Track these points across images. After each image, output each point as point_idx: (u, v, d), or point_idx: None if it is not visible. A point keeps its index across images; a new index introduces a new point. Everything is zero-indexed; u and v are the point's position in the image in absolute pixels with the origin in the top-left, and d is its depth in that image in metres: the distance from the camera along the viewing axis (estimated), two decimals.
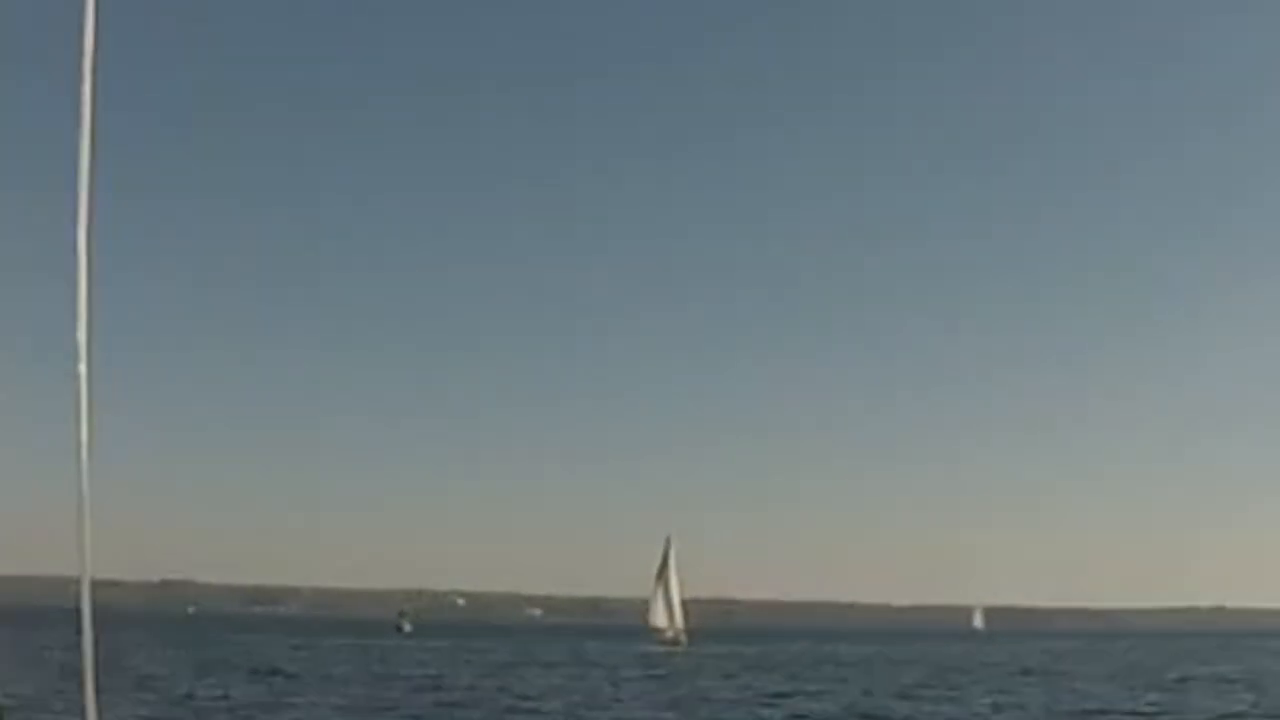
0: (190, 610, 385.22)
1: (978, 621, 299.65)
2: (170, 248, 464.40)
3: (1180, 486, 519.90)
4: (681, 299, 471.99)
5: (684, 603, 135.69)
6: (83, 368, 4.28)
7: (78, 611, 4.13)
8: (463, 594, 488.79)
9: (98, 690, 4.31)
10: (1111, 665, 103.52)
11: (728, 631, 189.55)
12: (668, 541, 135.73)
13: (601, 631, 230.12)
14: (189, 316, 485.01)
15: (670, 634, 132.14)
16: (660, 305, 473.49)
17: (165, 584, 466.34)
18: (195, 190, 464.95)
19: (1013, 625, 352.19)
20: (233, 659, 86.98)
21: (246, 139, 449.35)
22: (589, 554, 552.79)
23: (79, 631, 4.14)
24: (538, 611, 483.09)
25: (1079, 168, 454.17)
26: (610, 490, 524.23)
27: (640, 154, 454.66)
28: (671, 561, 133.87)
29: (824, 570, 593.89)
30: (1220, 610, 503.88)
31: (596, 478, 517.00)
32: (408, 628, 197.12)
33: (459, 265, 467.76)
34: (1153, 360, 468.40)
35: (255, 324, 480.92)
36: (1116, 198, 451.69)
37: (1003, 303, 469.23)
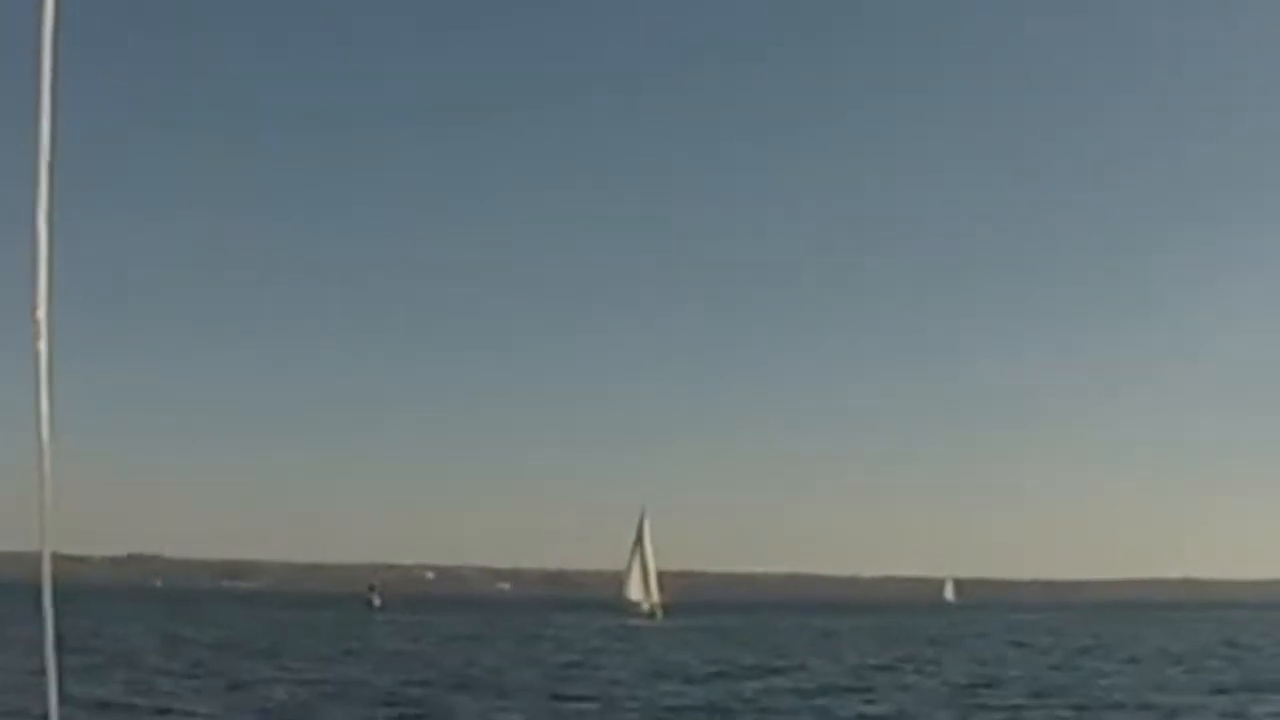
0: (157, 584, 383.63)
1: (949, 593, 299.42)
2: (146, 222, 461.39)
3: (1148, 460, 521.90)
4: (653, 280, 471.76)
5: (660, 575, 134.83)
6: (43, 345, 4.24)
7: (38, 588, 4.11)
8: (431, 568, 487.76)
9: (60, 669, 4.24)
10: (1086, 637, 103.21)
11: (700, 604, 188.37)
12: (642, 514, 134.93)
13: (574, 604, 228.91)
14: (153, 288, 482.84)
15: (646, 607, 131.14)
16: (629, 287, 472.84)
17: (133, 558, 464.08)
18: (161, 153, 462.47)
19: (981, 597, 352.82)
20: (203, 634, 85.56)
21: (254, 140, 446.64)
22: (556, 527, 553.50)
23: (39, 608, 4.10)
24: (506, 585, 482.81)
25: (1080, 162, 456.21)
26: (577, 463, 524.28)
27: (624, 153, 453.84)
28: (646, 534, 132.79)
29: (791, 543, 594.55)
30: (1188, 581, 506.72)
31: (563, 451, 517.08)
32: (378, 602, 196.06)
33: (432, 251, 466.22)
34: (1123, 340, 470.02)
35: (224, 301, 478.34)
36: (1113, 190, 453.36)
37: (973, 287, 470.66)
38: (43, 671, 4.36)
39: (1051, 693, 45.76)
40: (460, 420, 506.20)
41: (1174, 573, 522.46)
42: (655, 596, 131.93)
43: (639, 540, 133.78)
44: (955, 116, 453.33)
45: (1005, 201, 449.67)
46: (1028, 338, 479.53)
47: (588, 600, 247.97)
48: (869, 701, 41.77)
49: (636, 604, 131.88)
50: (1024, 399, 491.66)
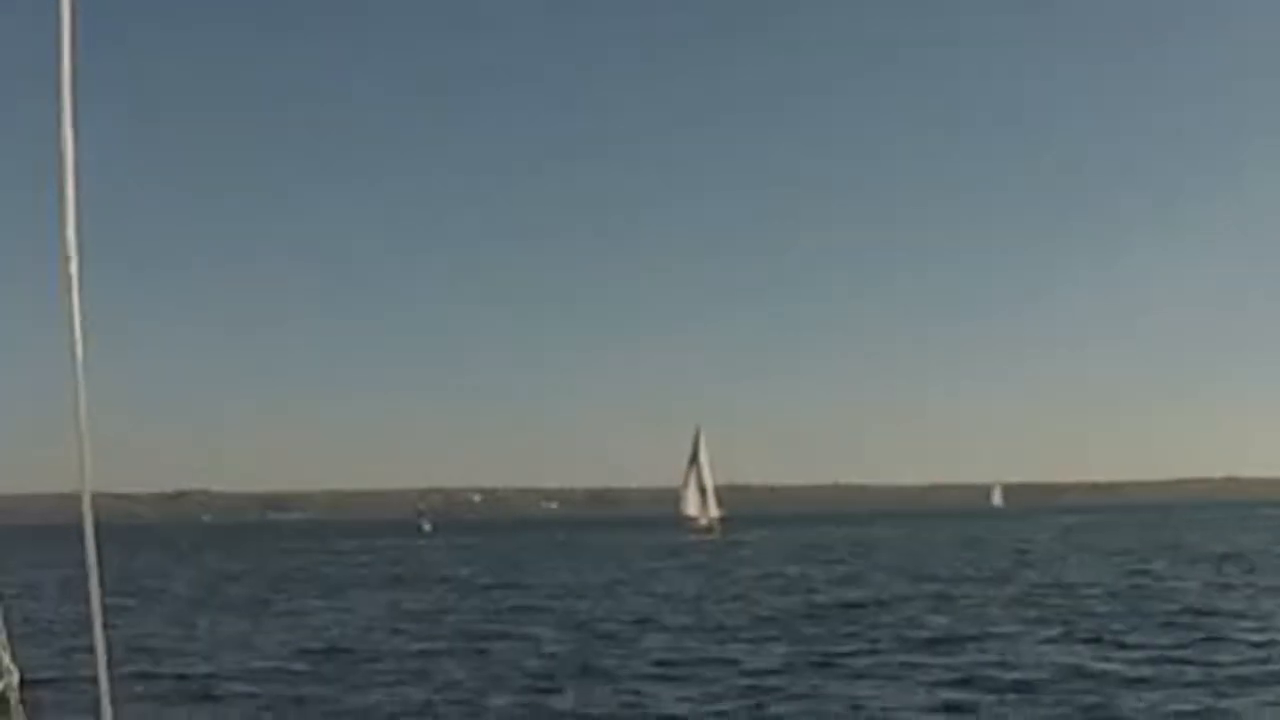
0: (205, 519, 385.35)
1: (997, 499, 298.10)
2: (181, 157, 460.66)
3: (1190, 359, 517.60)
4: (699, 191, 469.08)
5: (717, 490, 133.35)
6: (75, 297, 4.34)
7: (79, 527, 4.13)
8: (478, 490, 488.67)
9: (104, 609, 4.27)
10: (1151, 538, 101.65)
11: (752, 518, 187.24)
12: (697, 431, 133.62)
13: (623, 522, 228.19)
14: (189, 224, 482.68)
15: (704, 522, 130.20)
16: (676, 200, 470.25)
17: (180, 494, 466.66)
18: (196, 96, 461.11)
19: (1024, 501, 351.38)
20: (254, 568, 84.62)
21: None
22: (599, 446, 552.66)
23: (82, 547, 4.12)
24: (553, 504, 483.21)
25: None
26: (619, 383, 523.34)
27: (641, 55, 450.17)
28: (702, 452, 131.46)
29: (837, 454, 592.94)
30: (1233, 480, 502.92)
31: (605, 372, 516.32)
32: (428, 527, 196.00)
33: (478, 157, 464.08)
34: (1158, 241, 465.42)
35: (260, 231, 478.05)
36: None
37: (1006, 197, 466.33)
38: (87, 608, 4.24)
39: (1124, 596, 44.11)
40: (503, 344, 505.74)
41: (1218, 472, 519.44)
42: (713, 512, 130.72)
43: (694, 458, 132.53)
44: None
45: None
46: (1059, 247, 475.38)
47: (636, 518, 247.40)
48: (940, 612, 40.14)
49: (694, 519, 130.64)
50: (1060, 303, 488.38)
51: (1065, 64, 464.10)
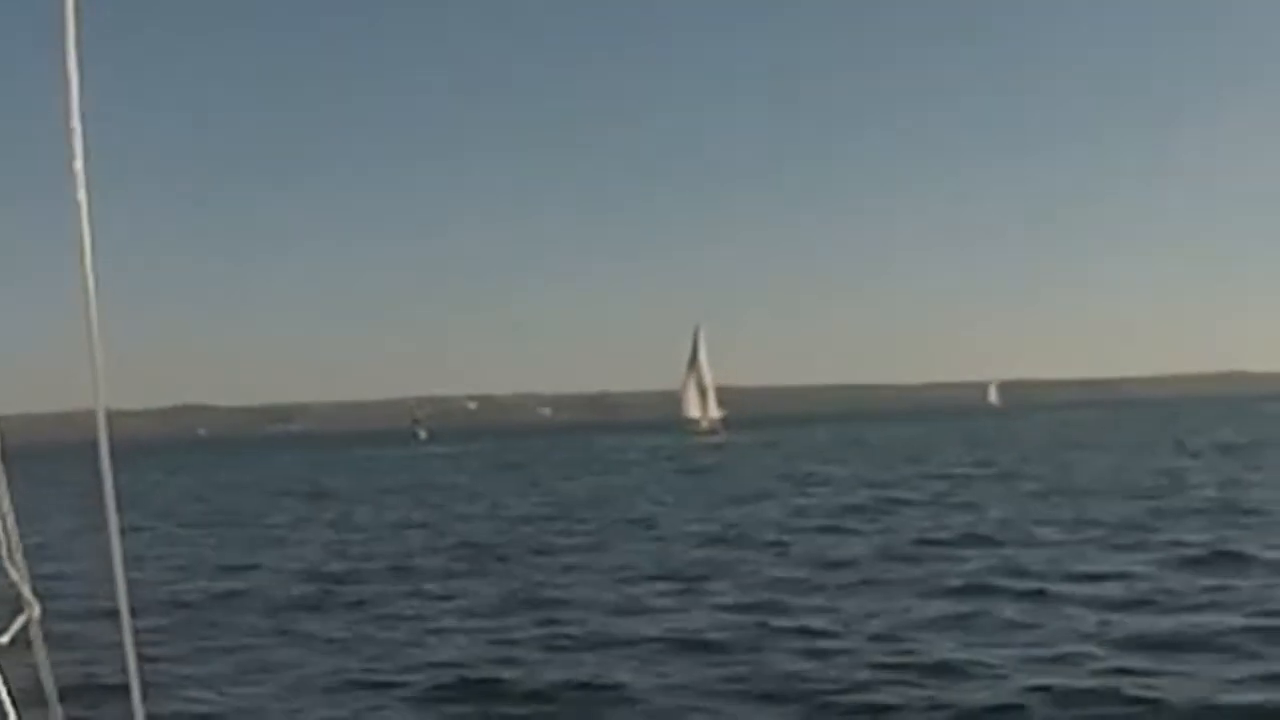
0: (201, 433, 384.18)
1: (993, 397, 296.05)
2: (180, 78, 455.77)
3: (1190, 251, 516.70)
4: (698, 97, 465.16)
5: (718, 390, 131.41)
6: (81, 195, 4.19)
7: (93, 446, 3.99)
8: (473, 397, 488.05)
9: (121, 528, 4.15)
10: (1176, 433, 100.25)
11: (754, 419, 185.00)
12: (696, 332, 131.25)
13: (621, 427, 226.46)
14: (186, 144, 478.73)
15: (705, 424, 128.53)
16: (671, 109, 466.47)
17: (178, 409, 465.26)
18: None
19: (1021, 398, 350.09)
20: (252, 482, 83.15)
21: None
22: (593, 350, 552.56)
23: (96, 467, 3.98)
24: (548, 410, 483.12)
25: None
26: (610, 285, 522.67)
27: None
28: (702, 352, 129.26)
29: (834, 353, 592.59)
30: (1240, 374, 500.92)
31: (593, 275, 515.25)
32: (424, 435, 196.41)
33: (456, 76, 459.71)
34: (1157, 138, 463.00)
35: (252, 152, 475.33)
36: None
37: (1007, 93, 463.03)
38: (104, 530, 4.05)
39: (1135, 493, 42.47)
40: (492, 249, 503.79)
41: (1220, 366, 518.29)
42: (714, 413, 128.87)
43: (694, 359, 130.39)
44: None
45: None
46: (1061, 140, 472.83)
47: (636, 422, 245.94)
48: (958, 507, 38.63)
49: (695, 422, 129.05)
50: (1056, 197, 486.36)
51: None
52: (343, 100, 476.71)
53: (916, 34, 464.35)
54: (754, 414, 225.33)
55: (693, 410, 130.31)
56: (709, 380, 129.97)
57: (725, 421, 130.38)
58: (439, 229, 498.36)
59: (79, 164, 4.19)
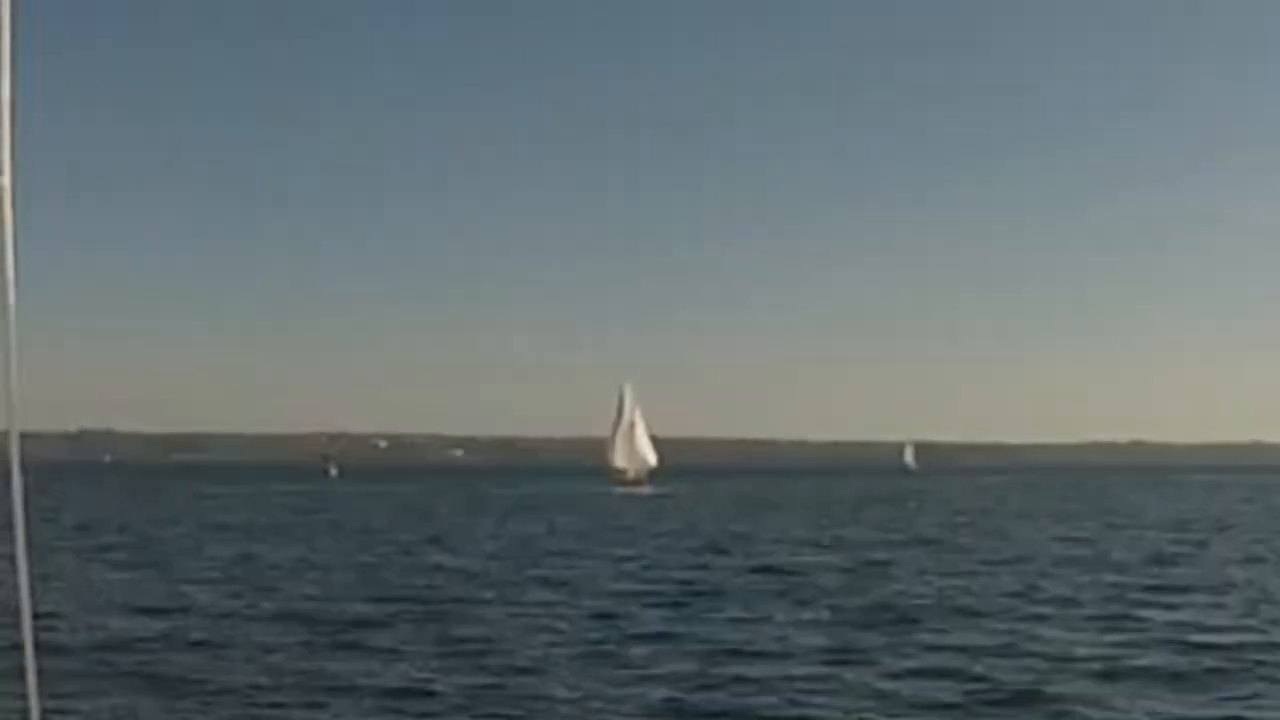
0: (107, 459, 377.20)
1: (909, 458, 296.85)
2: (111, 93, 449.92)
3: (1098, 327, 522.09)
4: (602, 141, 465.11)
5: (665, 440, 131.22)
6: (6, 211, 4.21)
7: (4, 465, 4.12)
8: (383, 436, 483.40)
9: (29, 547, 4.13)
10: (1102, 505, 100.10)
11: (670, 471, 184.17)
12: (622, 388, 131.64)
13: (544, 471, 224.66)
14: (106, 154, 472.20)
15: (631, 475, 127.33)
16: (580, 149, 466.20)
17: (84, 433, 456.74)
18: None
19: (930, 460, 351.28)
20: (158, 513, 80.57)
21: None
22: (507, 395, 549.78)
23: (8, 485, 4.05)
24: (459, 452, 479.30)
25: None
26: (524, 328, 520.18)
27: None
28: (628, 402, 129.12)
29: (742, 408, 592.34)
30: (1139, 444, 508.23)
31: (510, 316, 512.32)
32: (334, 472, 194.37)
33: (394, 122, 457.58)
34: (1076, 214, 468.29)
35: (175, 166, 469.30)
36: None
37: (932, 166, 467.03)
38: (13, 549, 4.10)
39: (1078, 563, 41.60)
40: (410, 287, 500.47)
41: (1123, 436, 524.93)
42: (648, 462, 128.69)
43: (621, 409, 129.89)
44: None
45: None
46: (984, 212, 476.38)
47: (551, 467, 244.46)
48: (917, 578, 37.57)
49: (622, 471, 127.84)
50: (976, 265, 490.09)
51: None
52: (259, 134, 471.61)
53: (847, 81, 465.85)
54: (672, 465, 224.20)
55: (620, 460, 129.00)
56: (642, 430, 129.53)
57: (651, 473, 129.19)
58: (355, 266, 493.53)
59: (6, 180, 4.09)
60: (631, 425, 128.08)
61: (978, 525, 66.74)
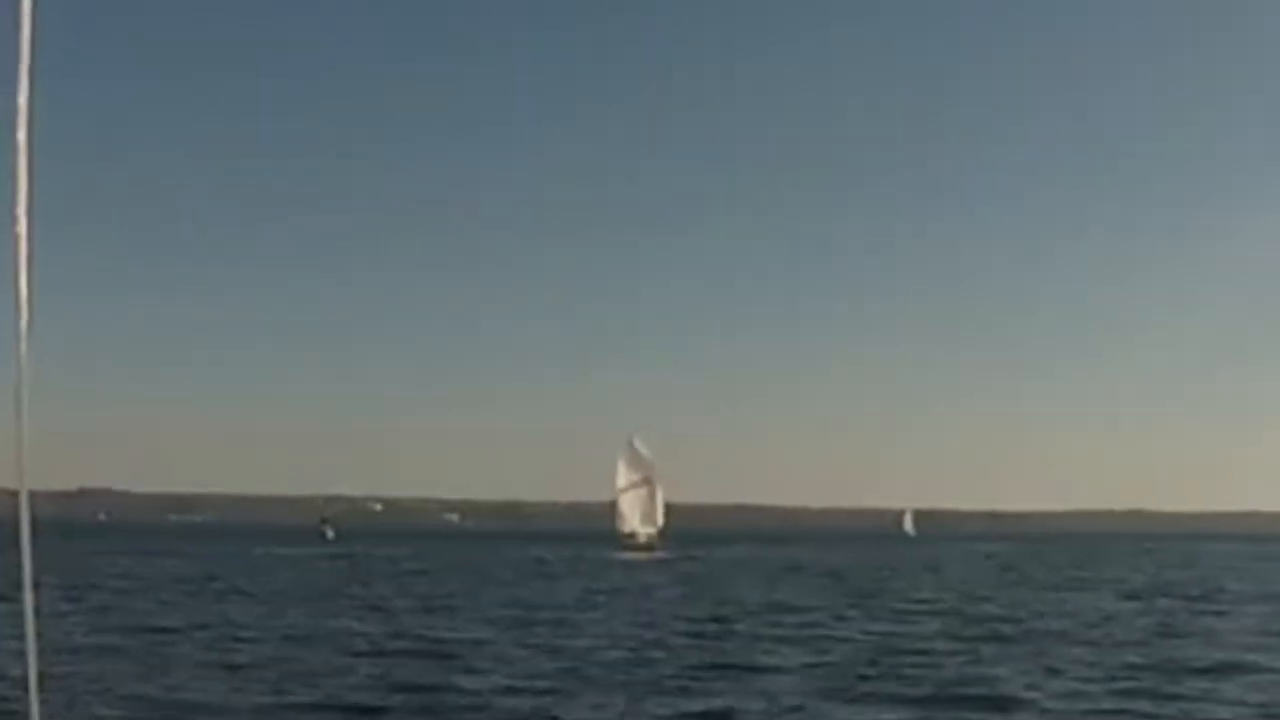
0: (101, 517, 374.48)
1: (908, 525, 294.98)
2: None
3: (1098, 394, 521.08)
4: (589, 202, 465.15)
5: (667, 506, 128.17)
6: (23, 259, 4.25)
7: (15, 524, 4.09)
8: (379, 499, 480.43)
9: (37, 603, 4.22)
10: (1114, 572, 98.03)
11: (676, 536, 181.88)
12: (631, 441, 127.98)
13: (545, 536, 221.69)
14: (100, 214, 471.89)
15: (643, 539, 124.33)
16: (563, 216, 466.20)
17: (82, 492, 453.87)
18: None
19: (928, 527, 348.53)
20: (162, 574, 78.45)
21: None
22: (502, 458, 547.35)
23: (17, 545, 4.08)
24: (455, 516, 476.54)
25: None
26: (522, 395, 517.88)
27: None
28: (643, 457, 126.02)
29: (742, 471, 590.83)
30: (1138, 513, 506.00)
31: (509, 383, 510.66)
32: (331, 534, 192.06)
33: (379, 179, 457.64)
34: (1070, 277, 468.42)
35: (172, 233, 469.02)
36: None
37: (931, 220, 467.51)
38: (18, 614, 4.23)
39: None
40: (407, 352, 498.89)
41: (1124, 504, 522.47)
42: (654, 527, 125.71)
43: (635, 468, 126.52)
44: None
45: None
46: (982, 270, 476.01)
47: (551, 532, 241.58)
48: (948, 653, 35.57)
49: (633, 535, 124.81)
50: (975, 332, 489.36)
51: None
52: (258, 194, 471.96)
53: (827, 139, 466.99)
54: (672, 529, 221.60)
55: (633, 523, 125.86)
56: (657, 492, 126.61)
57: (662, 535, 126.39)
58: (348, 332, 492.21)
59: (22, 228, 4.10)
60: (647, 481, 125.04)
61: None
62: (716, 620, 44.77)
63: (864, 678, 29.30)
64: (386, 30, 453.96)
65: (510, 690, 26.84)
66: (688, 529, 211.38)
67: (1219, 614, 50.99)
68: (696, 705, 25.10)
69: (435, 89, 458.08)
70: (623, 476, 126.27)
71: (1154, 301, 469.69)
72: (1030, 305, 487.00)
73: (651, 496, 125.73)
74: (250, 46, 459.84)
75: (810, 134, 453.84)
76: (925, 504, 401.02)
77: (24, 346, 4.12)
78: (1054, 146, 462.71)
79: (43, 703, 4.33)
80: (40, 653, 4.42)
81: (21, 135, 4.10)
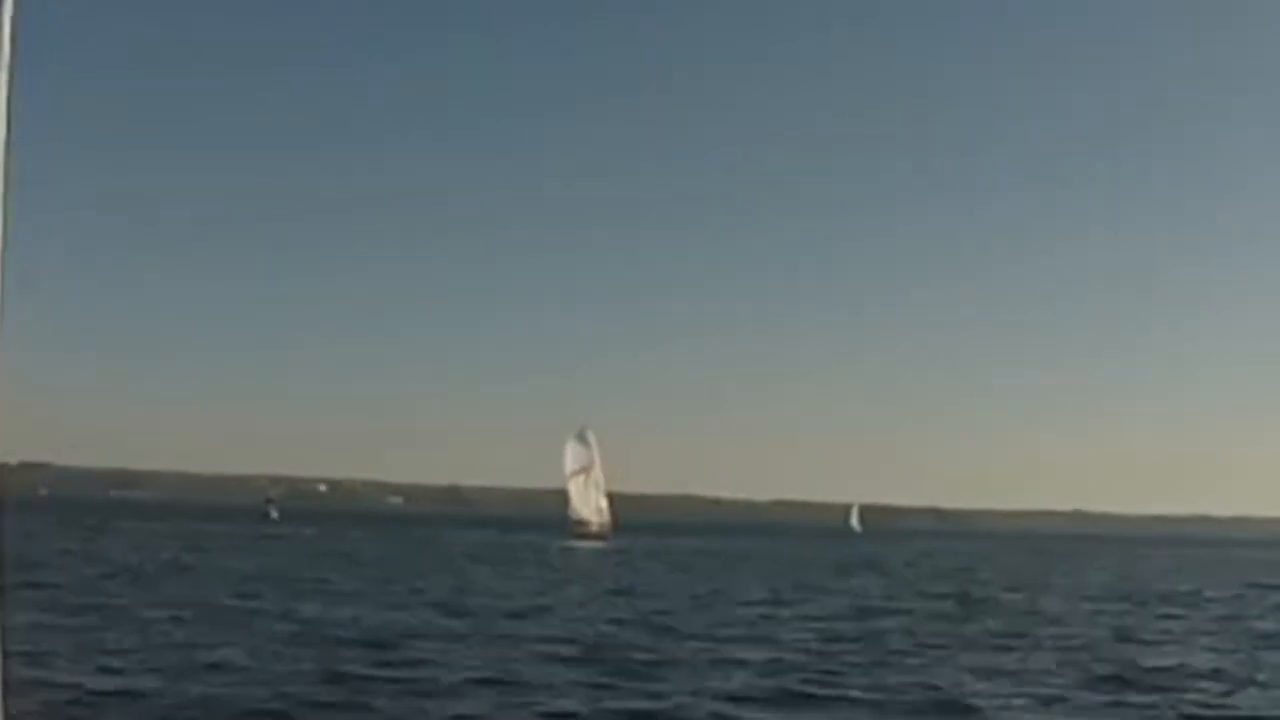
0: (42, 492, 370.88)
1: (854, 521, 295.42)
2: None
3: (1040, 395, 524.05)
4: (539, 181, 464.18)
5: (612, 496, 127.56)
6: None
7: None
8: (323, 480, 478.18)
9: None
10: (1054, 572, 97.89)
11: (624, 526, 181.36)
12: (583, 430, 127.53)
13: (491, 521, 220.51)
14: (50, 182, 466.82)
15: (595, 527, 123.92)
16: (513, 189, 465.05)
17: (24, 466, 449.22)
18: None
19: (872, 523, 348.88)
20: (107, 550, 77.32)
21: None
22: (446, 443, 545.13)
23: None
24: (399, 499, 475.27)
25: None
26: (468, 379, 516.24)
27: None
28: (593, 446, 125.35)
29: (689, 463, 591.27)
30: (1080, 514, 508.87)
31: (455, 365, 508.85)
32: (275, 515, 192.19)
33: (335, 163, 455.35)
34: (1011, 279, 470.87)
35: (122, 197, 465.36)
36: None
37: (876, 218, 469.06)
38: None
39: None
40: (355, 332, 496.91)
41: (1066, 505, 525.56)
42: (605, 517, 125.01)
43: (584, 456, 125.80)
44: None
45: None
46: (935, 276, 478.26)
47: (496, 517, 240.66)
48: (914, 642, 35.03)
49: (586, 523, 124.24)
50: (925, 332, 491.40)
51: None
52: (208, 169, 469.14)
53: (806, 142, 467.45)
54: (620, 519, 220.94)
55: (586, 511, 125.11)
56: (600, 480, 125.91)
57: (614, 526, 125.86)
58: (293, 316, 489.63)
59: None
60: (588, 470, 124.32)
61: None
62: (662, 612, 44.07)
63: (812, 677, 28.70)
64: (387, 29, 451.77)
65: (469, 682, 26.13)
66: (632, 519, 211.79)
67: (1177, 617, 50.67)
68: (642, 701, 24.48)
69: (429, 87, 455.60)
70: (570, 464, 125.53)
71: (1117, 310, 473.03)
72: (980, 302, 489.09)
73: (596, 485, 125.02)
74: (251, 43, 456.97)
75: (798, 134, 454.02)
76: (871, 499, 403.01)
77: None
78: (1042, 146, 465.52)
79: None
80: None
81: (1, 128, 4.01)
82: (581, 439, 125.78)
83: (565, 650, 31.58)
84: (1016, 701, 25.54)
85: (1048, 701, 25.83)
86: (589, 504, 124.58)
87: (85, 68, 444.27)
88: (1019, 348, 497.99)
